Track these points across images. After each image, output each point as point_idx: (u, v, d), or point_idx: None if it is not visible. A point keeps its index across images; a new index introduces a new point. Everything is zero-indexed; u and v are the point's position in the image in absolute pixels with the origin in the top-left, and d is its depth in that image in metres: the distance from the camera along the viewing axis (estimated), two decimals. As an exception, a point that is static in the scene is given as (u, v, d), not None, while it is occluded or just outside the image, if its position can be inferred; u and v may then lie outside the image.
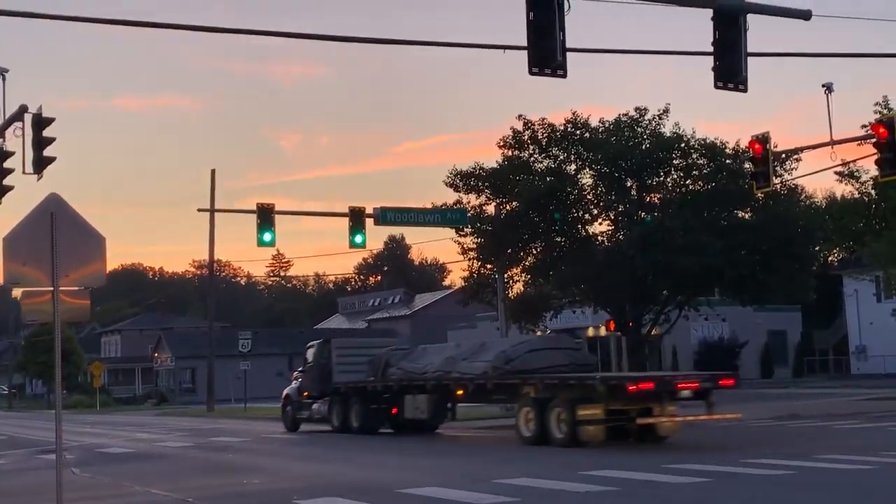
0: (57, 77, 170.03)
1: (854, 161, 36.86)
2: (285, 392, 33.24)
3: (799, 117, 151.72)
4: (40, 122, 18.32)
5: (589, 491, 13.21)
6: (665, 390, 20.87)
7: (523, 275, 42.01)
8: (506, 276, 40.31)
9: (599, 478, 14.48)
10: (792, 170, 37.10)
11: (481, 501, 12.55)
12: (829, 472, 14.58)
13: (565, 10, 14.03)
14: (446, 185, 39.46)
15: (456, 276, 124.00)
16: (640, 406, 20.83)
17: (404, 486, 14.38)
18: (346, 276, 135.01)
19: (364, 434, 27.68)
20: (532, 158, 39.01)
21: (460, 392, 25.74)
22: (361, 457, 20.89)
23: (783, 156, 34.44)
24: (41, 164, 18.25)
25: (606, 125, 38.61)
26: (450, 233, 40.09)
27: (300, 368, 32.59)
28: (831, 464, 15.37)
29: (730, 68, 15.41)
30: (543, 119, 38.83)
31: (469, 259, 40.56)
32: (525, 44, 14.25)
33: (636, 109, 38.61)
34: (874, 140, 22.64)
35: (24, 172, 18.33)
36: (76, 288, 12.31)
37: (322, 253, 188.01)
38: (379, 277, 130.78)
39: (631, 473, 14.89)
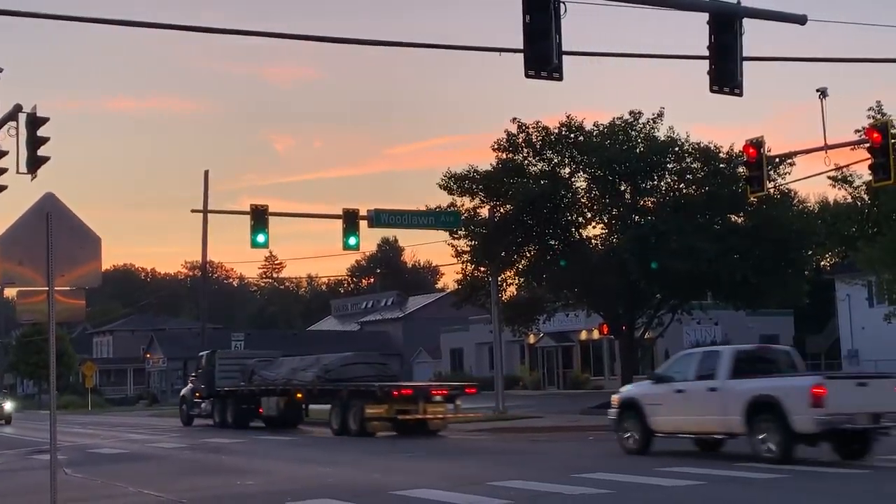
0: (51, 77, 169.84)
1: (847, 166, 37.06)
2: (182, 392, 40.49)
3: (793, 122, 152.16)
4: (34, 122, 18.29)
5: (584, 493, 13.23)
6: (421, 395, 28.56)
7: (517, 278, 41.99)
8: (499, 278, 40.29)
9: (594, 480, 14.50)
10: (786, 174, 37.20)
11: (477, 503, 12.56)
12: (823, 476, 14.60)
13: (561, 13, 14.05)
14: (440, 187, 39.45)
15: (449, 279, 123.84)
16: (410, 406, 28.01)
17: (397, 488, 14.38)
18: (339, 278, 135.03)
19: (237, 428, 34.69)
20: (526, 161, 39.00)
21: (299, 396, 32.76)
22: (356, 459, 20.89)
23: (777, 160, 34.50)
24: (35, 163, 18.22)
25: (601, 129, 38.63)
26: (443, 235, 40.05)
27: (193, 374, 39.32)
28: (823, 468, 15.40)
29: (725, 72, 15.46)
30: (538, 122, 38.90)
31: (462, 262, 40.54)
32: (521, 46, 14.28)
33: (631, 113, 38.70)
34: (868, 145, 22.70)
35: (17, 172, 18.30)
36: (71, 288, 12.29)
37: (315, 255, 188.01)
38: (372, 280, 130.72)
39: (625, 477, 14.91)
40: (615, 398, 21.15)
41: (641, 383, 21.49)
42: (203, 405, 37.83)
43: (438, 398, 28.85)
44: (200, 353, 39.21)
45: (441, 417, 28.75)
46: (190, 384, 39.44)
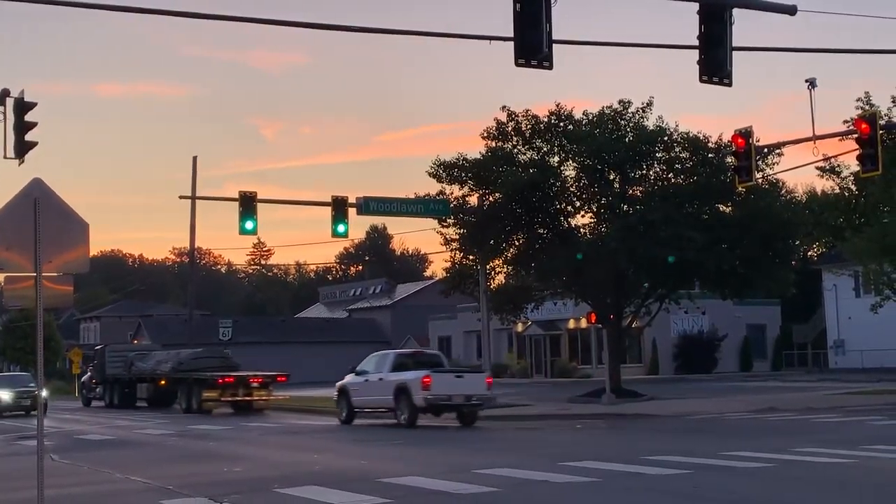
0: (38, 62, 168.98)
1: (836, 156, 37.12)
2: (83, 379, 50.19)
3: (782, 112, 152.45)
4: (22, 107, 18.20)
5: (570, 482, 13.29)
6: (242, 382, 37.42)
7: (505, 266, 42.02)
8: (488, 267, 40.32)
9: (581, 469, 14.56)
10: (774, 164, 37.22)
11: (462, 491, 12.61)
12: (808, 465, 14.71)
13: (552, 1, 14.04)
14: (429, 175, 39.40)
15: (438, 267, 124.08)
16: (235, 391, 36.93)
17: (383, 475, 14.42)
18: (328, 265, 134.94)
19: (123, 408, 43.01)
20: (515, 150, 38.97)
21: (163, 382, 40.96)
22: (342, 448, 20.92)
23: (765, 150, 34.51)
24: (23, 148, 18.14)
25: (590, 118, 38.62)
26: (432, 223, 40.02)
27: (90, 365, 48.17)
28: (810, 457, 15.52)
29: (715, 62, 15.47)
30: (527, 111, 38.85)
31: (451, 250, 40.56)
32: (511, 35, 14.27)
33: (620, 102, 38.64)
34: (856, 136, 22.76)
35: (5, 157, 18.23)
36: (59, 274, 12.26)
37: (304, 242, 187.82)
38: (360, 267, 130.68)
39: (611, 465, 14.98)
40: (337, 385, 30.08)
41: (349, 376, 29.80)
42: (97, 389, 46.65)
43: (255, 385, 37.74)
44: (96, 347, 49.91)
45: (263, 399, 37.74)
46: (88, 372, 48.53)
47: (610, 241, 36.21)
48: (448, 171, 39.04)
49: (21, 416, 39.06)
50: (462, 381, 27.25)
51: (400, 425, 26.59)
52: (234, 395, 37.36)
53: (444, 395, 26.49)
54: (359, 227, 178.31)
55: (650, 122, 38.43)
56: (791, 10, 16.14)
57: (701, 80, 15.46)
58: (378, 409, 28.18)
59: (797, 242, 41.12)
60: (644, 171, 38.64)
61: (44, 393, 35.45)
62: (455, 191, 39.39)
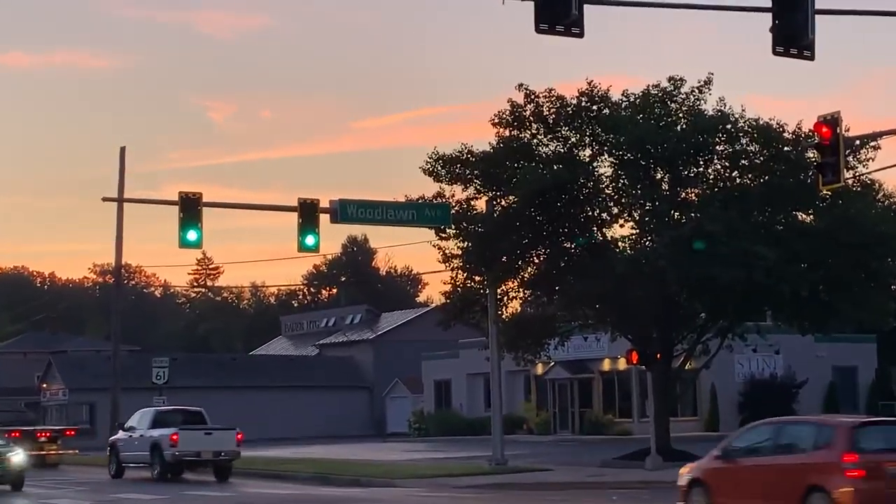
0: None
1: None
2: None
3: (879, 94, 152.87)
4: None
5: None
6: (28, 436, 45.07)
7: (521, 290, 42.00)
8: (499, 291, 40.30)
9: None
10: (868, 161, 37.27)
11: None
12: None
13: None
14: (424, 172, 39.42)
15: (434, 291, 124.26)
16: (24, 445, 37.71)
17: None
18: (293, 287, 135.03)
19: None
20: (535, 140, 39.03)
21: None
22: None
23: (857, 143, 34.58)
24: None
25: (631, 99, 38.66)
26: (428, 234, 40.05)
27: None
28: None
29: (792, 29, 15.52)
30: (551, 90, 38.84)
31: (452, 269, 40.56)
32: (531, -7, 14.31)
33: (670, 80, 38.66)
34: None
35: None
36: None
37: (262, 258, 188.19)
38: (334, 291, 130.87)
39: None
40: (109, 440, 41.76)
41: (120, 433, 40.65)
42: None
43: (43, 439, 47.55)
44: None
45: (53, 453, 47.38)
46: None
47: (656, 259, 36.24)
48: (449, 167, 39.08)
49: None
50: (211, 438, 37.64)
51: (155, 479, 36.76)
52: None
53: (192, 451, 37.02)
54: (333, 238, 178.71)
55: (709, 106, 38.52)
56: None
57: (774, 53, 15.50)
58: (140, 463, 38.87)
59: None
60: (700, 169, 38.69)
61: (19, 457, 33.07)
62: (457, 193, 39.46)
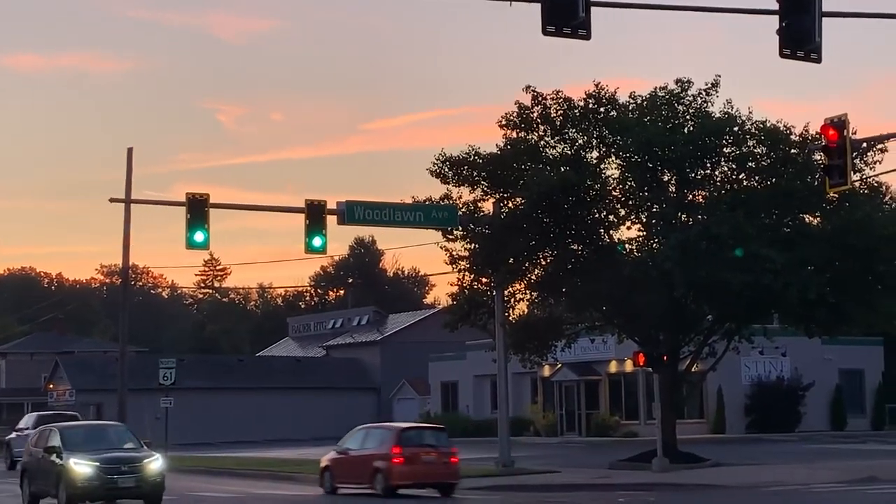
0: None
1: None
2: None
3: (886, 97, 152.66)
4: None
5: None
6: None
7: (528, 292, 42.00)
8: (506, 293, 40.30)
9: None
10: (876, 163, 37.23)
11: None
12: None
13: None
14: (431, 174, 39.44)
15: (441, 293, 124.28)
16: None
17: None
18: (300, 289, 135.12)
19: None
20: (543, 142, 39.04)
21: None
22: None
23: (865, 145, 34.54)
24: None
25: (639, 102, 38.66)
26: (435, 236, 40.06)
27: None
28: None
29: (800, 31, 15.52)
30: (558, 92, 38.86)
31: (459, 270, 40.59)
32: (538, -5, 14.33)
33: (677, 82, 38.67)
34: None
35: None
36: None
37: (269, 259, 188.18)
38: (342, 292, 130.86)
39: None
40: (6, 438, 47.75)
41: (13, 434, 42.39)
42: None
43: None
44: None
45: None
46: None
47: (663, 261, 36.22)
48: (456, 169, 39.09)
49: None
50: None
51: None
52: None
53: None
54: (340, 240, 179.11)
55: (716, 108, 38.51)
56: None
57: (781, 55, 15.51)
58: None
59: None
60: (708, 171, 38.67)
61: (157, 464, 27.38)
62: (465, 194, 39.47)
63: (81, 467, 26.36)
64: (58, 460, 26.88)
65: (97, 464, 26.44)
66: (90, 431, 30.08)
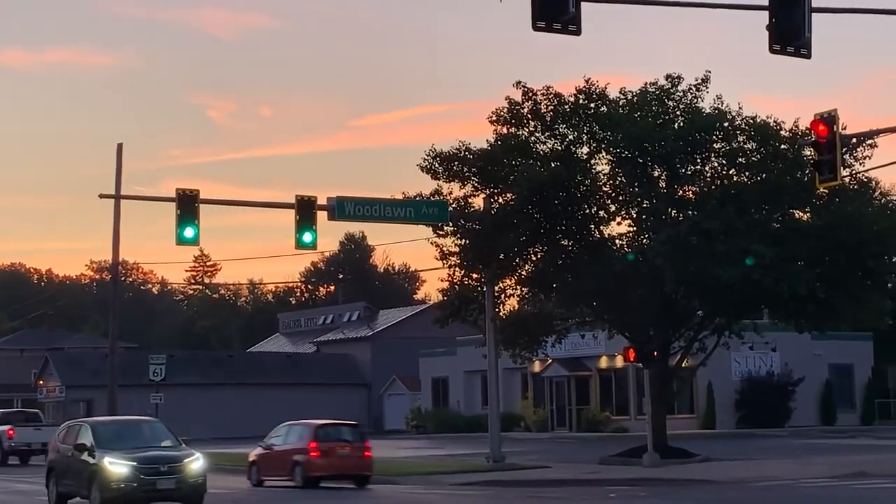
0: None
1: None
2: None
3: (876, 93, 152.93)
4: None
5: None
6: None
7: (518, 288, 42.01)
8: (496, 288, 40.31)
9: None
10: (865, 159, 37.27)
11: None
12: None
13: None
14: (422, 169, 39.43)
15: (432, 288, 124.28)
16: None
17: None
18: (290, 285, 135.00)
19: None
20: (533, 138, 39.04)
21: None
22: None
23: (854, 140, 34.60)
24: None
25: (629, 97, 38.69)
26: (426, 231, 40.05)
27: None
28: None
29: (789, 27, 15.53)
30: (548, 88, 38.88)
31: (449, 266, 40.56)
32: (528, -10, 14.33)
33: (667, 78, 38.70)
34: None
35: None
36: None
37: (259, 255, 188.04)
38: (332, 288, 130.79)
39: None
40: None
41: None
42: None
43: None
44: None
45: None
46: None
47: (654, 257, 36.27)
48: (446, 164, 39.07)
49: None
50: (41, 432, 48.73)
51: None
52: None
53: (24, 442, 50.17)
54: (331, 235, 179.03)
55: (706, 104, 38.56)
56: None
57: (771, 50, 15.51)
58: None
59: (894, 259, 41.14)
60: (698, 167, 38.72)
61: (199, 464, 24.54)
62: (455, 190, 39.45)
63: (117, 467, 24.12)
64: (90, 459, 24.72)
65: (134, 463, 24.18)
66: (124, 427, 27.41)
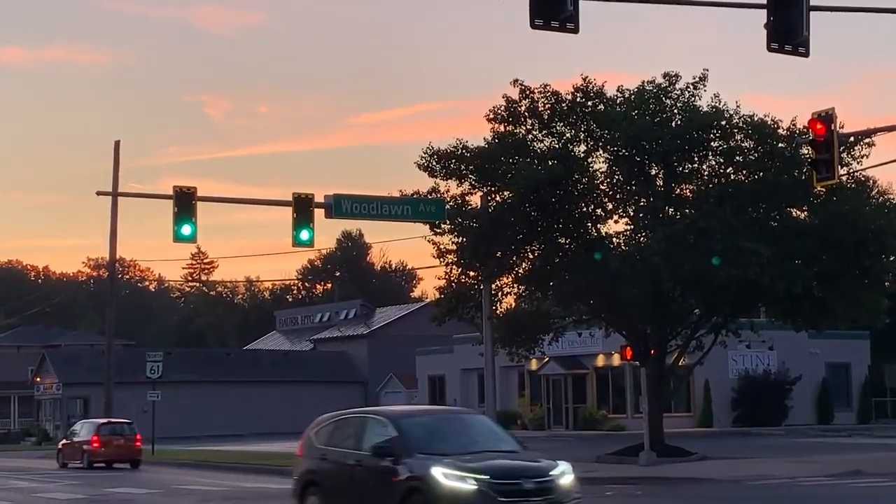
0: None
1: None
2: None
3: (874, 92, 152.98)
4: None
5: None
6: None
7: (516, 286, 42.00)
8: (493, 286, 40.29)
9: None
10: (863, 157, 37.25)
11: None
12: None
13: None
14: (419, 167, 39.41)
15: (429, 286, 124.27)
16: None
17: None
18: (287, 282, 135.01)
19: None
20: (530, 136, 39.01)
21: None
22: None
23: (852, 139, 34.58)
24: None
25: (626, 95, 38.64)
26: (423, 229, 40.04)
27: None
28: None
29: (787, 26, 15.52)
30: (546, 86, 38.84)
31: (446, 264, 40.57)
32: (526, -12, 14.31)
33: (665, 76, 38.64)
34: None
35: None
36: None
37: (256, 252, 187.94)
38: (329, 286, 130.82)
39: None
40: None
41: None
42: None
43: None
44: None
45: None
46: None
47: (650, 255, 36.25)
48: (444, 162, 39.06)
49: None
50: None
51: None
52: None
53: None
54: (328, 233, 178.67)
55: (703, 102, 38.50)
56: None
57: (769, 49, 15.50)
58: None
59: (892, 258, 41.16)
60: (695, 165, 38.69)
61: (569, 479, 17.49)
62: (452, 188, 39.43)
63: (456, 483, 16.61)
64: (399, 468, 17.32)
65: (486, 477, 16.67)
66: (441, 423, 19.38)
